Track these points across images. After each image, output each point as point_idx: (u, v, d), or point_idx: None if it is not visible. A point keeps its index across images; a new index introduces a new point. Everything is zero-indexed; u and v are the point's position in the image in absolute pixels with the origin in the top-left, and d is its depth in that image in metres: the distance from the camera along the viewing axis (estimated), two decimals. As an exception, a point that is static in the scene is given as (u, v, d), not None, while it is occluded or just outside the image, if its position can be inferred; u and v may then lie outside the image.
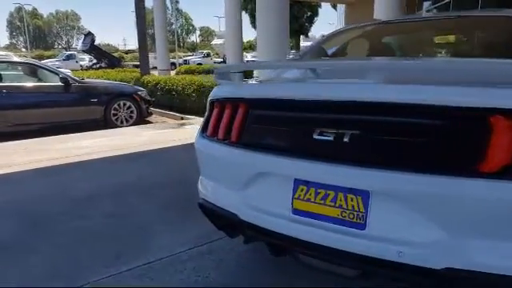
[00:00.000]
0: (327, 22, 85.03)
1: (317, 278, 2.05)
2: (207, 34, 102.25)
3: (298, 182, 1.60)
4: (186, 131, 6.59)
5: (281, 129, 1.69)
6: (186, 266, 2.35)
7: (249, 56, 37.90)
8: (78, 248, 2.60)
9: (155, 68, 16.81)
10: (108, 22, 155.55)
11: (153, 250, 2.54)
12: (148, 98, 8.22)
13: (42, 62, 9.66)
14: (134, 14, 12.10)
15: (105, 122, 7.38)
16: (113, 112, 7.49)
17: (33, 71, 7.29)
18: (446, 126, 1.32)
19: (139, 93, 7.97)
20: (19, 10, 79.29)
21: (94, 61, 28.04)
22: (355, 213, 1.45)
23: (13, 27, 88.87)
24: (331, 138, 1.50)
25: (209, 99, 2.06)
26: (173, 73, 17.81)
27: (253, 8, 28.75)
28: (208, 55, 41.13)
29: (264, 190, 1.72)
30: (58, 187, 3.82)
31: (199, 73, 16.98)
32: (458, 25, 2.35)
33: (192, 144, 5.59)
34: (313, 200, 1.56)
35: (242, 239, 2.08)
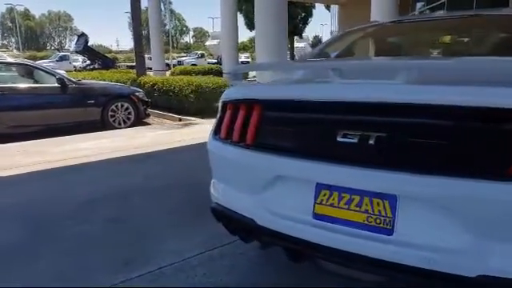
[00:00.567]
0: (320, 22, 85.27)
1: (333, 283, 2.00)
2: (200, 34, 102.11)
3: (320, 186, 1.55)
4: (185, 132, 6.54)
5: (301, 131, 1.64)
6: (197, 271, 2.29)
7: (242, 57, 37.83)
8: (85, 254, 2.53)
9: (150, 69, 16.69)
10: (100, 23, 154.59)
11: (162, 255, 2.48)
12: (146, 99, 8.14)
13: (37, 62, 9.51)
14: (128, 14, 12.04)
15: (102, 124, 7.29)
16: (110, 113, 7.40)
17: (29, 72, 7.18)
18: (478, 127, 1.28)
19: (137, 94, 7.90)
20: (11, 10, 78.61)
21: (88, 62, 27.82)
22: (382, 218, 1.41)
23: (4, 28, 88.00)
24: (356, 141, 1.45)
25: (221, 100, 2.00)
26: (167, 73, 17.72)
27: (247, 9, 28.72)
28: (202, 56, 40.98)
29: (283, 194, 1.67)
30: (61, 190, 3.74)
31: (195, 73, 16.87)
32: (476, 23, 2.32)
33: (193, 145, 5.58)
34: (336, 205, 1.51)
35: (254, 244, 2.03)
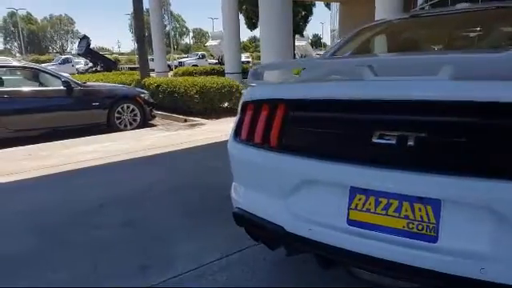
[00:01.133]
0: (319, 21, 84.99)
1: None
2: (200, 35, 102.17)
3: (354, 191, 1.46)
4: (192, 133, 6.46)
5: (332, 132, 1.56)
6: (217, 277, 2.21)
7: (243, 57, 37.70)
8: (100, 260, 2.45)
9: (152, 70, 16.62)
10: (101, 26, 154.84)
11: (179, 260, 2.40)
12: (151, 100, 8.07)
13: (42, 65, 9.44)
14: (129, 17, 11.97)
15: (108, 126, 7.23)
16: (116, 115, 7.33)
17: (34, 75, 7.11)
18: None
19: (142, 95, 7.82)
20: (12, 14, 78.75)
21: (90, 64, 27.81)
22: (424, 224, 1.32)
23: (6, 32, 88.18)
24: (394, 142, 1.37)
25: (242, 101, 1.92)
26: (169, 74, 17.65)
27: (248, 9, 28.63)
28: (203, 56, 40.88)
29: (313, 199, 1.58)
30: (70, 195, 3.67)
31: (197, 74, 16.79)
32: (503, 15, 2.22)
33: (202, 146, 5.49)
34: (372, 210, 1.43)
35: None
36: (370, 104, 1.44)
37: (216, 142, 5.66)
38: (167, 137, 6.26)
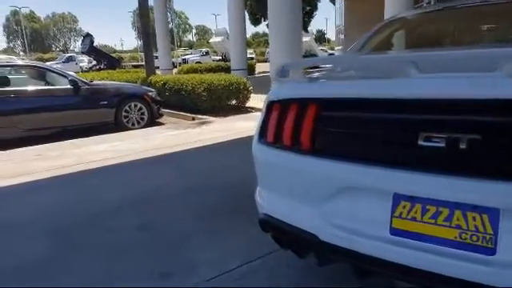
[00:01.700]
0: (323, 16, 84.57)
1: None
2: (203, 32, 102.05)
3: (398, 198, 1.36)
4: (202, 132, 6.36)
5: (372, 134, 1.45)
6: (240, 285, 2.11)
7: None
8: (118, 267, 2.36)
9: (156, 68, 16.51)
10: (104, 23, 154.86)
11: (200, 267, 2.31)
12: (158, 98, 7.98)
13: (47, 64, 9.36)
14: (131, 14, 11.85)
15: (116, 125, 7.14)
16: (124, 114, 7.24)
17: (40, 74, 7.03)
18: None
19: (150, 93, 7.73)
20: (15, 13, 78.86)
21: (94, 62, 27.72)
22: (480, 235, 1.21)
23: (10, 31, 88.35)
24: (443, 145, 1.26)
25: (267, 100, 1.81)
26: (173, 72, 17.55)
27: (252, 4, 28.47)
28: (207, 53, 40.69)
29: (351, 206, 1.48)
30: (83, 197, 3.58)
31: (201, 71, 16.68)
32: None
33: (214, 145, 5.40)
34: (419, 219, 1.32)
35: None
36: (416, 103, 1.32)
37: (227, 141, 5.57)
38: (177, 136, 6.17)
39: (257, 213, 2.81)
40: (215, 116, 7.93)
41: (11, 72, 6.97)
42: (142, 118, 7.47)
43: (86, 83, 7.01)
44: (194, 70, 17.33)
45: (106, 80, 10.77)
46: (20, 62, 7.59)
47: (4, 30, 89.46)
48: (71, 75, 7.16)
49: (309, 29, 41.49)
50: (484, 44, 2.25)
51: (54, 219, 3.10)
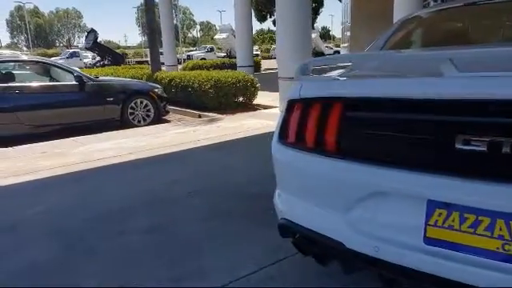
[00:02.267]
0: (328, 13, 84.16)
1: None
2: (207, 28, 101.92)
3: (433, 204, 1.27)
4: (210, 129, 6.27)
5: (405, 136, 1.35)
6: (255, 290, 2.03)
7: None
8: (129, 271, 2.28)
9: (161, 64, 16.43)
10: (108, 19, 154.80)
11: (212, 272, 2.22)
12: (165, 95, 7.90)
13: (52, 59, 9.29)
14: (135, 10, 11.75)
15: (121, 122, 7.07)
16: (130, 111, 7.16)
17: (46, 70, 6.96)
18: None
19: (156, 90, 7.65)
20: (19, 8, 78.95)
21: (98, 58, 27.66)
22: (526, 246, 1.12)
23: (13, 26, 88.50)
24: (484, 149, 1.17)
25: (289, 99, 1.72)
26: (178, 68, 17.46)
27: (258, 1, 28.33)
28: (211, 50, 40.62)
29: (382, 213, 1.39)
30: (89, 197, 3.50)
31: (207, 68, 16.60)
32: None
33: (223, 143, 5.32)
34: (456, 227, 1.23)
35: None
36: (454, 104, 1.23)
37: (236, 139, 5.48)
38: (184, 133, 6.08)
39: (271, 215, 2.75)
40: (222, 113, 7.84)
41: (15, 67, 6.91)
42: (148, 115, 7.39)
43: (91, 79, 6.94)
44: (199, 67, 17.26)
45: (111, 76, 10.70)
46: (25, 58, 7.52)
47: (8, 25, 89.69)
48: (77, 71, 7.08)
49: (314, 25, 41.30)
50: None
51: (61, 220, 3.03)
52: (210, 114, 7.87)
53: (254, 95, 8.80)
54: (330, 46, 52.02)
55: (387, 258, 1.37)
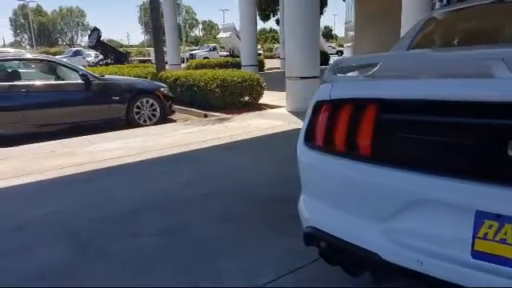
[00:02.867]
0: (331, 12, 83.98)
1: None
2: (210, 27, 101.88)
3: (482, 216, 1.18)
4: (218, 129, 6.17)
5: (450, 142, 1.26)
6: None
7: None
8: (143, 276, 2.19)
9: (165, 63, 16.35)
10: (110, 18, 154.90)
11: (229, 279, 2.13)
12: (170, 94, 7.81)
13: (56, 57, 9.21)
14: (138, 9, 11.67)
15: (127, 121, 6.99)
16: (135, 110, 7.08)
17: (51, 68, 6.88)
18: None
19: (162, 89, 7.57)
20: (23, 7, 79.07)
21: (101, 57, 27.62)
22: None
23: (17, 25, 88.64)
24: (543, 157, 1.07)
25: (316, 100, 1.62)
26: (182, 67, 17.38)
27: (261, 0, 28.20)
28: (214, 49, 40.50)
29: (422, 223, 1.29)
30: (99, 198, 3.41)
31: (210, 67, 16.50)
32: None
33: (232, 144, 5.23)
34: (509, 241, 1.14)
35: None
36: (506, 107, 1.14)
37: (245, 139, 5.40)
38: (192, 133, 5.99)
39: (287, 219, 2.66)
40: (228, 113, 7.75)
41: (21, 66, 6.84)
42: (154, 115, 7.31)
43: (97, 78, 6.86)
44: (203, 66, 17.17)
45: (116, 75, 10.62)
46: (30, 56, 7.44)
47: (11, 24, 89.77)
48: (82, 69, 7.01)
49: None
50: None
51: (71, 222, 2.94)
52: (216, 114, 7.78)
53: (260, 95, 8.71)
54: (333, 45, 51.92)
55: (431, 272, 1.27)
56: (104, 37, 27.76)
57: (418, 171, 1.28)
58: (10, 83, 6.04)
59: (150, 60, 30.89)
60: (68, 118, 6.49)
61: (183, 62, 22.02)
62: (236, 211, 3.01)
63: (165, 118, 7.45)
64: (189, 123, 7.04)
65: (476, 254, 1.18)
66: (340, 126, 1.50)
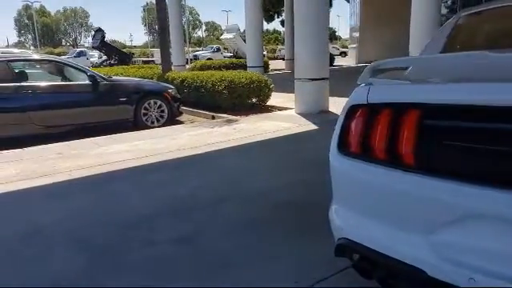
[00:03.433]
0: (335, 14, 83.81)
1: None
2: (213, 28, 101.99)
3: (545, 232, 1.08)
4: (226, 131, 6.08)
5: (508, 150, 1.16)
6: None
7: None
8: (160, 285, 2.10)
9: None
10: (113, 18, 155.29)
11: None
12: (178, 95, 7.73)
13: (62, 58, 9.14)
14: (141, 10, 11.61)
15: (135, 123, 6.91)
16: (143, 111, 7.00)
17: (58, 69, 6.82)
18: None
19: (169, 90, 7.49)
20: (27, 8, 79.32)
21: (104, 57, 27.60)
22: None
23: (21, 25, 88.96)
24: None
25: (351, 104, 1.53)
26: (187, 67, 17.31)
27: (266, 1, 28.06)
28: (218, 50, 40.45)
29: (475, 238, 1.20)
30: (110, 203, 3.33)
31: (215, 68, 16.43)
32: None
33: (243, 146, 5.13)
34: None
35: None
36: None
37: (255, 142, 5.30)
38: (201, 135, 5.89)
39: (305, 226, 2.57)
40: (236, 115, 7.65)
41: (27, 66, 6.77)
42: (162, 116, 7.23)
43: (104, 79, 6.78)
44: (208, 67, 17.11)
45: (122, 76, 10.56)
46: (37, 57, 7.38)
47: (15, 24, 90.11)
48: (90, 70, 6.94)
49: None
50: None
51: (83, 229, 2.85)
52: (224, 116, 7.70)
53: (267, 96, 8.60)
54: (337, 46, 51.87)
55: (482, 291, 1.18)
56: (107, 37, 27.72)
57: (471, 183, 1.19)
58: (17, 84, 5.97)
59: (153, 61, 30.86)
60: (75, 119, 6.42)
61: (188, 63, 21.97)
62: (252, 217, 2.91)
63: (172, 120, 7.36)
64: (197, 125, 6.95)
65: (538, 273, 1.09)
66: (379, 132, 1.40)
